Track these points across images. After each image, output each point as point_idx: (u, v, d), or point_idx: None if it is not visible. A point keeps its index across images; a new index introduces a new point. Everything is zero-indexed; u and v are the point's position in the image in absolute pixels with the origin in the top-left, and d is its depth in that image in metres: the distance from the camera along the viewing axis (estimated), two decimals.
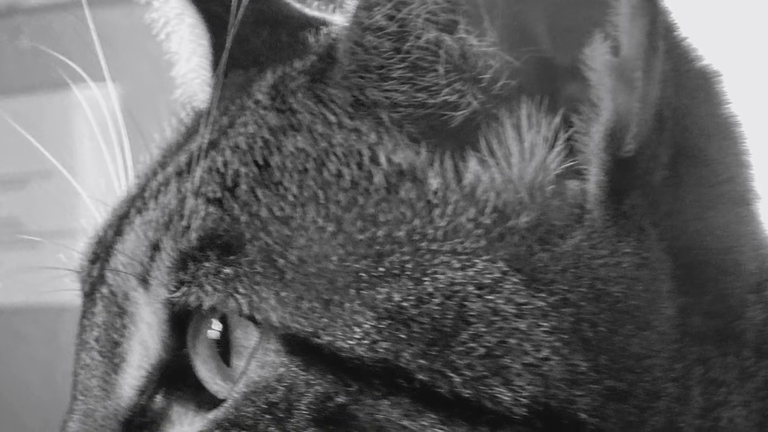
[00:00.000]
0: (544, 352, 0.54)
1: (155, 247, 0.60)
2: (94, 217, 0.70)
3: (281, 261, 0.57)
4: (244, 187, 0.59)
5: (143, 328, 0.60)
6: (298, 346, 0.56)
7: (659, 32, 0.55)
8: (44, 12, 2.07)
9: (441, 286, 0.55)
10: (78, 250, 0.69)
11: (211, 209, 0.59)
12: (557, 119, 0.57)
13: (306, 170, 0.59)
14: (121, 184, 0.72)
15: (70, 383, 0.64)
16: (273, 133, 0.61)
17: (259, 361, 0.56)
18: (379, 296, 0.55)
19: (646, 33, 0.55)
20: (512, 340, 0.54)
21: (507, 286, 0.55)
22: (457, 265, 0.56)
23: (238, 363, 0.58)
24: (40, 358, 2.06)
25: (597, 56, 0.55)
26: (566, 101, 0.57)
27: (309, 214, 0.58)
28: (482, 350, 0.54)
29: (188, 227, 0.59)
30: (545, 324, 0.54)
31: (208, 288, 0.57)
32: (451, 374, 0.54)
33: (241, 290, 0.56)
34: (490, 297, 0.55)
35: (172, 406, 0.60)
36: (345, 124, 0.60)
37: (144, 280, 0.60)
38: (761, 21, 1.39)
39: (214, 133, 0.63)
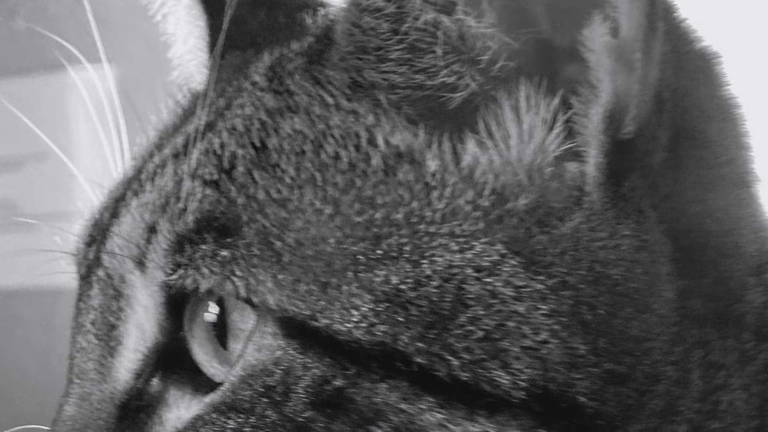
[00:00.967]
0: (543, 335, 0.54)
1: (152, 230, 0.60)
2: (90, 199, 0.70)
3: (278, 243, 0.56)
4: (241, 169, 0.59)
5: (140, 311, 0.60)
6: (295, 329, 0.55)
7: (659, 13, 0.55)
8: None
9: (439, 268, 0.55)
10: (74, 232, 0.69)
11: (208, 191, 0.59)
12: (556, 101, 0.57)
13: (303, 152, 0.59)
14: (117, 166, 0.72)
15: (66, 366, 0.64)
16: (270, 114, 0.61)
17: (256, 345, 0.56)
18: (377, 279, 0.55)
19: (645, 14, 0.54)
20: (511, 323, 0.54)
21: (505, 269, 0.55)
22: (456, 248, 0.55)
23: (235, 346, 0.57)
24: (35, 341, 2.05)
25: (596, 37, 0.55)
26: (565, 83, 0.57)
27: (306, 197, 0.57)
28: (480, 333, 0.54)
29: (185, 209, 0.59)
30: (544, 307, 0.54)
31: (205, 271, 0.57)
32: (450, 357, 0.54)
33: (238, 273, 0.56)
34: (488, 280, 0.55)
35: (168, 389, 0.60)
36: (342, 105, 0.60)
37: (140, 263, 0.60)
38: (761, 2, 1.38)
39: (210, 114, 0.62)
